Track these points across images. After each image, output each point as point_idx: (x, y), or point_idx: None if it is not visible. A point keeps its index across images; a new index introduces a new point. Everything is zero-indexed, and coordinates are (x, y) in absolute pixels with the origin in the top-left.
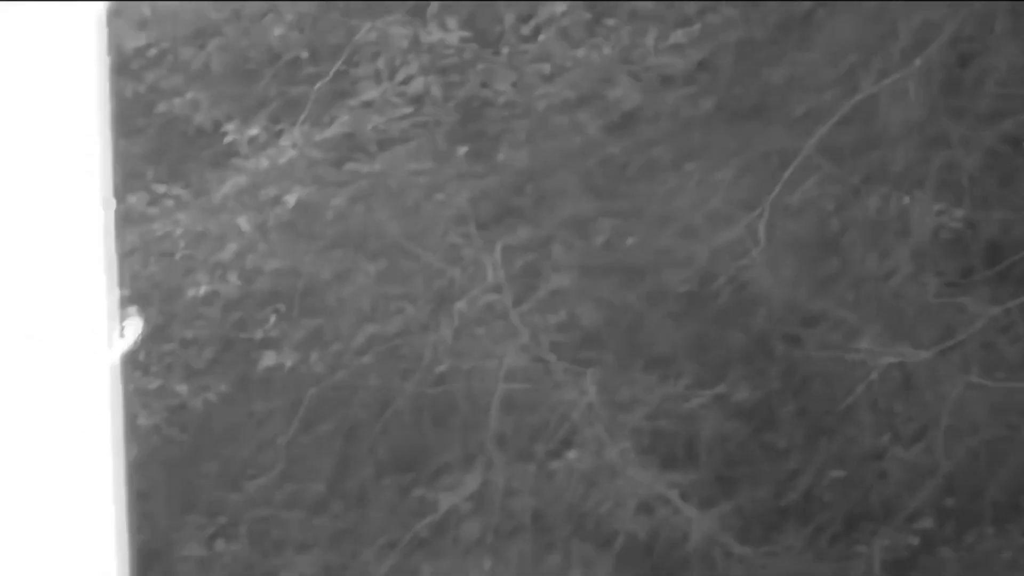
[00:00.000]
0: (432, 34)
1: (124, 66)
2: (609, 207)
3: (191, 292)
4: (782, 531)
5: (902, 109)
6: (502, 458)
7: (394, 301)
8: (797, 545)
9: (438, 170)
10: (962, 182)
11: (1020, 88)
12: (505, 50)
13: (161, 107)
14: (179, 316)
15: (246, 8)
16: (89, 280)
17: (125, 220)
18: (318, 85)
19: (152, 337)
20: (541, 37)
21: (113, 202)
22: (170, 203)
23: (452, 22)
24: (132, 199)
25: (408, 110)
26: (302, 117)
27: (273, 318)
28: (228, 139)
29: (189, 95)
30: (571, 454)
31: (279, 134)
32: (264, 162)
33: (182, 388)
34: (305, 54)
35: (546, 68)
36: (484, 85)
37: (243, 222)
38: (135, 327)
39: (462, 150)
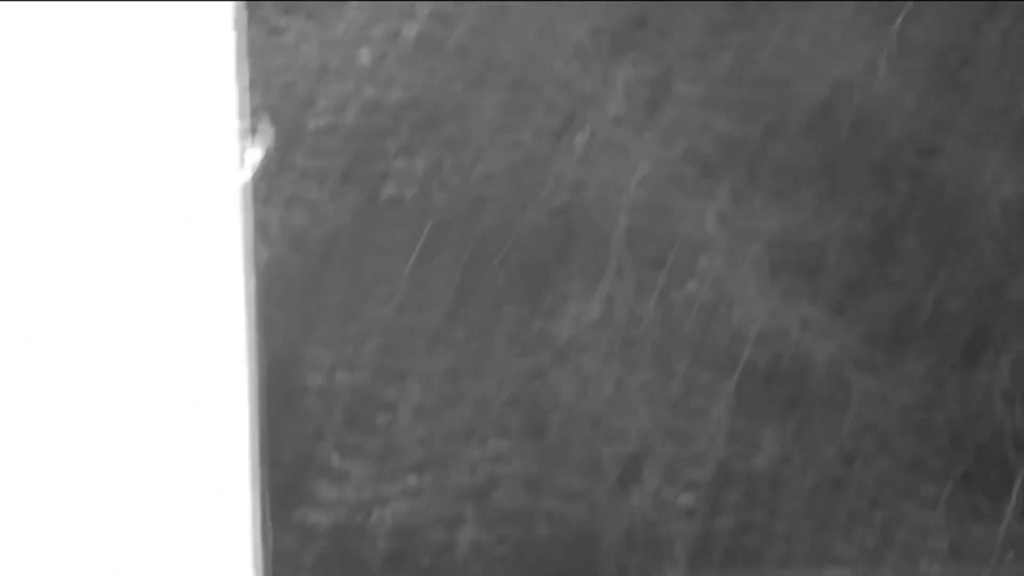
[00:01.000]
0: None
1: None
2: (730, 40)
3: (312, 124)
4: (903, 360)
5: None
6: (622, 288)
7: (515, 132)
8: (919, 373)
9: (559, 3)
10: None
11: None
12: None
13: None
14: (300, 147)
15: None
16: (218, 104)
17: (248, 51)
18: None
19: (273, 168)
20: None
21: (234, 35)
22: (291, 36)
23: None
24: (253, 30)
25: None
26: None
27: (394, 150)
28: None
29: None
30: (691, 284)
31: None
32: None
33: (303, 219)
34: None
35: None
36: None
37: (364, 54)
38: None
39: None
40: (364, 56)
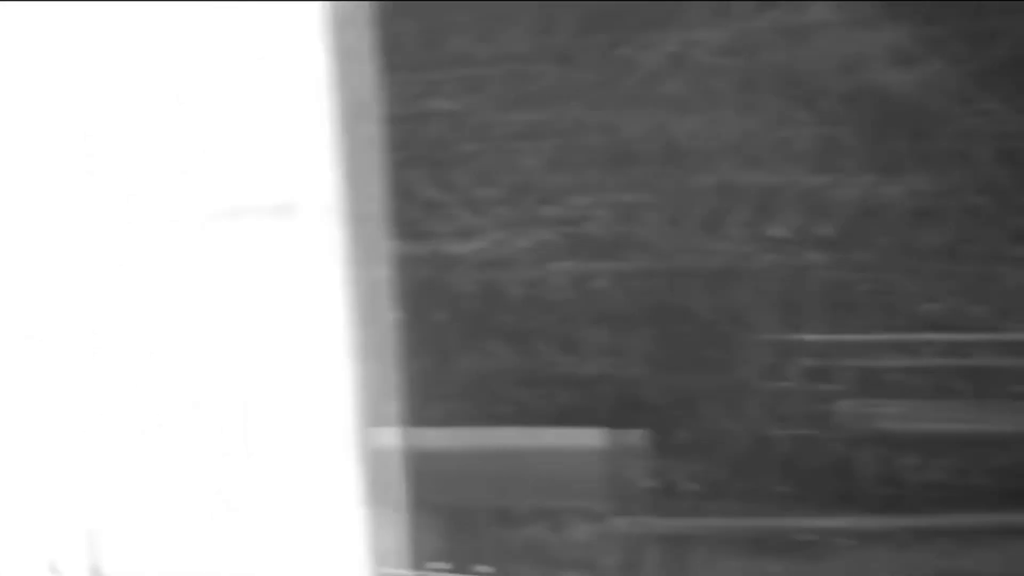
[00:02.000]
0: None
1: None
2: None
3: None
4: (993, 93)
5: None
6: (701, 16)
7: None
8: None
9: None
10: None
11: None
12: None
13: None
14: None
15: None
16: None
17: None
18: None
19: None
20: None
21: None
22: None
23: None
24: None
25: None
26: None
27: None
28: None
29: None
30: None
31: None
32: None
33: None
34: None
35: None
36: None
37: None
38: None
39: None
40: None
